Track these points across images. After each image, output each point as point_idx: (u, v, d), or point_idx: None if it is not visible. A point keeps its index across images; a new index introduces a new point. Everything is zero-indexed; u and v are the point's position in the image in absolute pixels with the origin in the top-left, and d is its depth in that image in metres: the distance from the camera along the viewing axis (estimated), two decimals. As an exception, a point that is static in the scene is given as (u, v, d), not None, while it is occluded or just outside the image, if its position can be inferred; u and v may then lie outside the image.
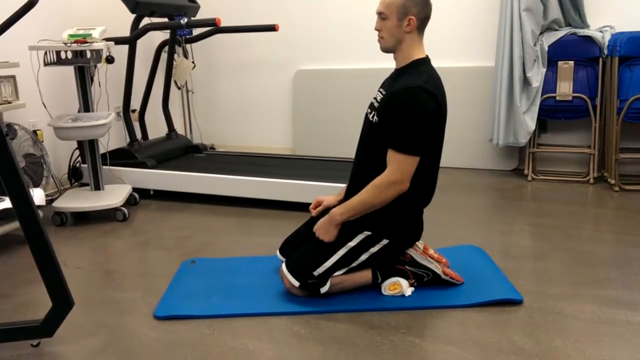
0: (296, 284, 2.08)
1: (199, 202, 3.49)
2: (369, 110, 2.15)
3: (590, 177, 3.69)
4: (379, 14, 2.05)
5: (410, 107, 1.95)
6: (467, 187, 3.70)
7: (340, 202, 2.21)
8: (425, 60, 2.07)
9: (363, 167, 2.15)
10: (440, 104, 2.00)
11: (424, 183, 2.09)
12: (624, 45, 3.42)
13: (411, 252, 2.18)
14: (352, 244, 2.07)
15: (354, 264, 2.10)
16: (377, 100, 2.10)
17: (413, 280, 2.15)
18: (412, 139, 1.96)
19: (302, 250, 2.15)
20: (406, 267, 2.16)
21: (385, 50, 2.09)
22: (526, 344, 1.78)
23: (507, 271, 2.32)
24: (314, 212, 2.34)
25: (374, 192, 2.00)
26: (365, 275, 2.14)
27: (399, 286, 2.11)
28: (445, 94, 2.07)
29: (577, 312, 1.98)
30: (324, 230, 2.08)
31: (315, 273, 2.05)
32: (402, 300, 2.07)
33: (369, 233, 2.07)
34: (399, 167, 1.97)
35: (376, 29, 2.08)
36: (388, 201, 2.01)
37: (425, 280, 2.16)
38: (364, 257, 2.09)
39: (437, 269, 2.16)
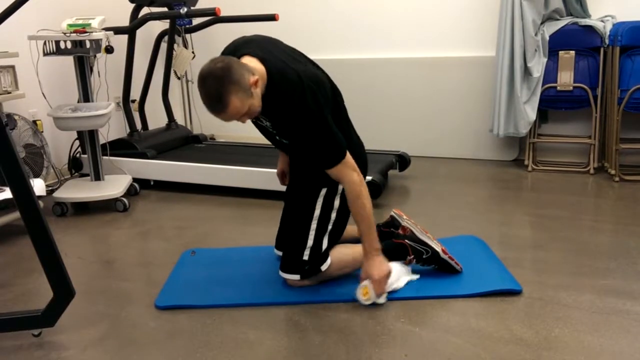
0: (297, 277, 2.08)
1: (199, 193, 3.49)
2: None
3: (590, 168, 3.69)
4: None
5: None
6: (467, 177, 3.70)
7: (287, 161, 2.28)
8: None
9: (299, 161, 2.18)
10: (327, 94, 1.94)
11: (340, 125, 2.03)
12: (625, 35, 3.41)
13: (411, 226, 2.19)
14: (317, 212, 2.08)
15: (330, 227, 2.10)
16: None
17: (412, 257, 2.14)
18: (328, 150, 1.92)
19: (284, 246, 2.17)
20: (406, 240, 2.15)
21: None
22: (525, 334, 1.79)
23: (507, 261, 2.33)
24: (286, 182, 2.38)
25: (358, 204, 1.93)
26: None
27: (368, 293, 1.98)
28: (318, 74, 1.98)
29: (576, 302, 1.98)
30: (377, 269, 1.95)
31: (305, 257, 2.06)
32: (401, 290, 2.07)
33: (325, 189, 2.07)
34: (344, 175, 1.92)
35: None
36: (367, 193, 1.94)
37: (424, 257, 2.15)
38: (333, 215, 2.10)
39: (437, 246, 2.16)
